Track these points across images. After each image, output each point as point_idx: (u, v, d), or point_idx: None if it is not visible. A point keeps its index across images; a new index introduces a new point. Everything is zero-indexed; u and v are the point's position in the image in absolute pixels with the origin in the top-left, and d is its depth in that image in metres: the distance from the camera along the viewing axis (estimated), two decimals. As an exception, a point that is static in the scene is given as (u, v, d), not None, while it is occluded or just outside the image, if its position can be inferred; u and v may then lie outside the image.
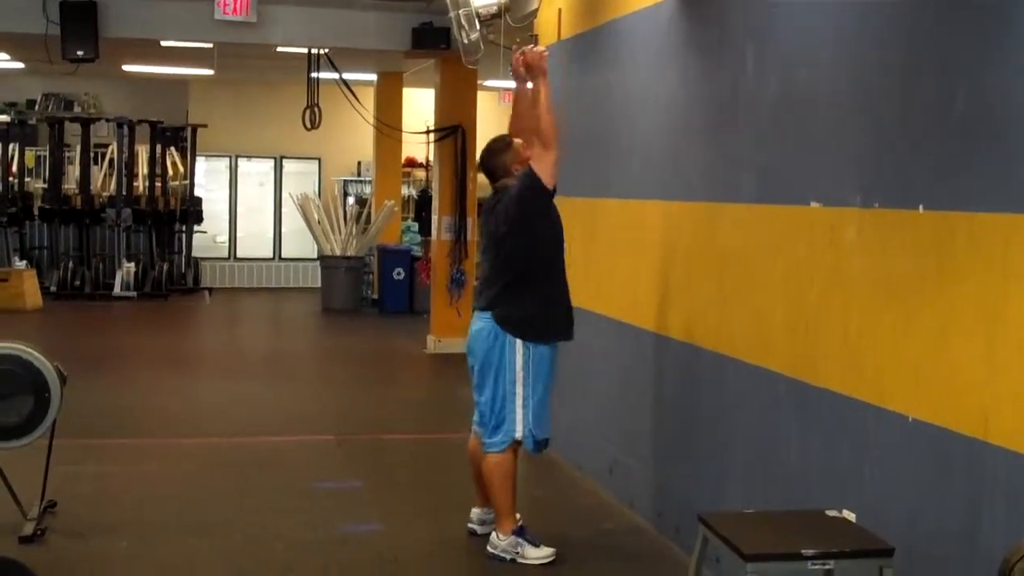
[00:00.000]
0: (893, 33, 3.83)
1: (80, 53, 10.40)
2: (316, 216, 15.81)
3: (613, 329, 6.34)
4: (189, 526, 5.74)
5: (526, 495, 5.37)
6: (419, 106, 15.94)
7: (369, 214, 16.14)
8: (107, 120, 16.88)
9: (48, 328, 13.15)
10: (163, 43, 12.19)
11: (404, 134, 13.62)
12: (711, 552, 3.79)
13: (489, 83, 14.74)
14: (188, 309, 15.85)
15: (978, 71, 3.37)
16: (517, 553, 5.27)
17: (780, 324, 4.50)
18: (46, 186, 16.91)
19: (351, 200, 17.63)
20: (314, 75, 12.42)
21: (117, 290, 16.03)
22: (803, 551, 3.41)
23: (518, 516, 5.36)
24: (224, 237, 18.39)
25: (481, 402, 5.39)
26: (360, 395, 9.81)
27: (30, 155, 17.65)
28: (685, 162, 5.47)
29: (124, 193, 16.31)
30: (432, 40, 11.09)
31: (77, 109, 18.09)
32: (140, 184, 17.02)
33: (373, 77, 15.96)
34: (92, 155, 16.63)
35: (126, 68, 15.77)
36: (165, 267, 16.60)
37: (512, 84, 5.75)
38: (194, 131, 17.33)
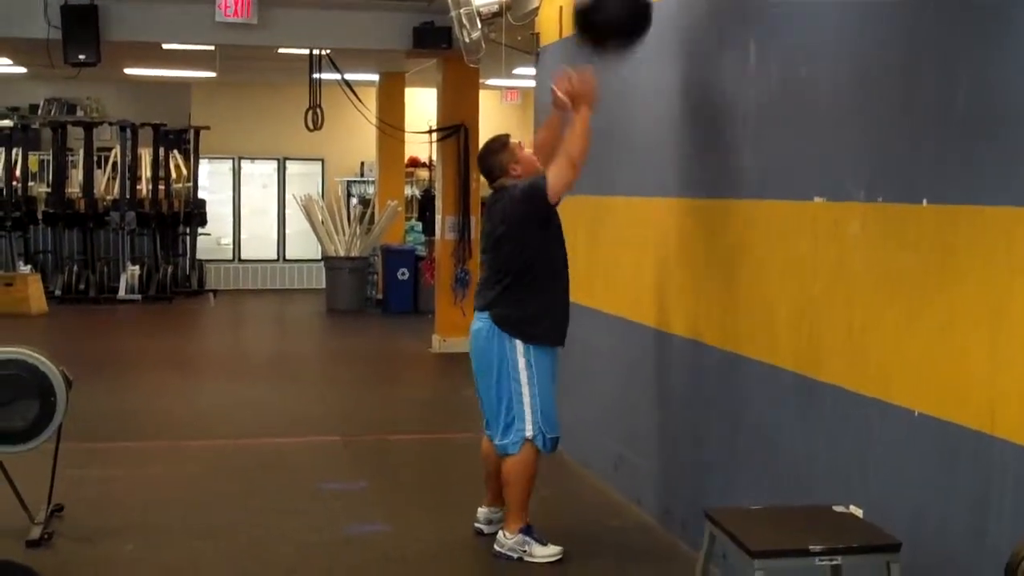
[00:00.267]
0: (895, 27, 3.82)
1: (82, 57, 10.40)
2: (320, 217, 15.83)
3: (618, 326, 6.33)
4: (194, 529, 5.74)
5: (533, 493, 5.36)
6: (421, 106, 15.95)
7: (373, 214, 16.15)
8: (110, 124, 16.90)
9: (53, 332, 13.16)
10: (165, 46, 12.19)
11: (407, 134, 13.62)
12: (718, 549, 3.78)
13: (491, 82, 14.73)
14: (193, 311, 15.87)
15: (981, 64, 3.36)
16: (524, 552, 5.26)
17: (784, 319, 4.49)
18: (50, 190, 16.92)
19: (355, 201, 17.63)
20: (316, 76, 12.43)
21: (122, 293, 16.04)
22: (810, 547, 3.41)
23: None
24: (228, 239, 18.40)
25: (486, 404, 5.38)
26: (365, 395, 9.81)
27: (33, 159, 17.67)
28: (688, 159, 5.46)
29: (128, 196, 16.33)
30: (433, 40, 11.08)
31: (80, 113, 18.10)
32: (143, 187, 17.04)
33: (375, 77, 15.96)
34: (95, 159, 16.66)
35: (128, 71, 15.78)
36: (169, 270, 16.61)
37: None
38: (197, 133, 17.35)
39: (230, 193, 18.49)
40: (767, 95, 4.65)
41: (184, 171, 17.48)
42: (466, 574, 5.36)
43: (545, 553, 5.25)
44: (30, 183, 17.26)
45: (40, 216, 16.57)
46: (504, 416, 5.27)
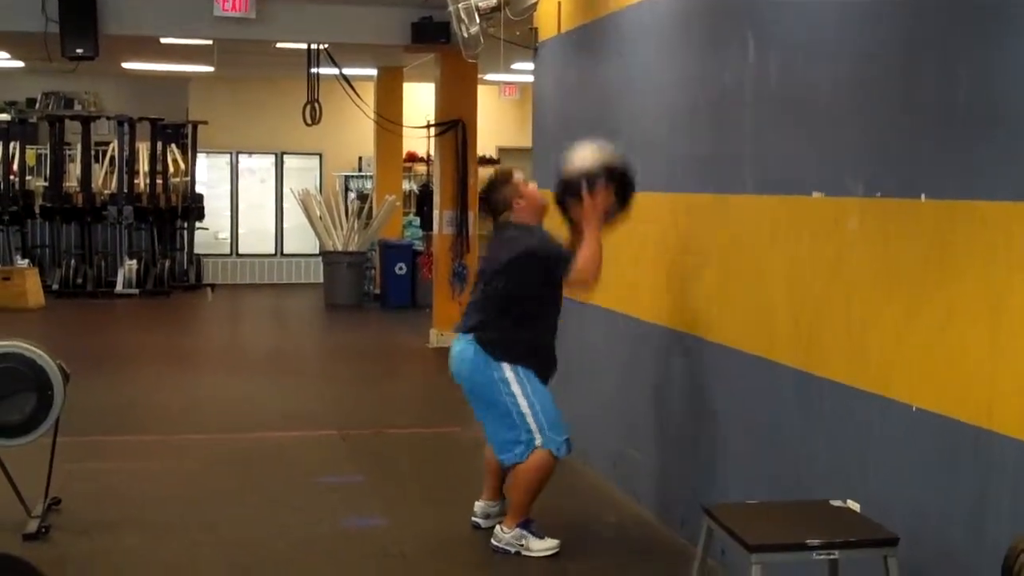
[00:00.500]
0: (895, 22, 3.81)
1: (80, 51, 10.37)
2: (318, 212, 15.81)
3: (617, 322, 6.33)
4: (192, 522, 5.74)
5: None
6: (419, 101, 15.93)
7: (370, 209, 16.14)
8: (107, 118, 16.88)
9: (51, 326, 13.15)
10: (163, 40, 12.18)
11: (405, 129, 13.61)
12: (716, 543, 3.78)
13: (489, 77, 14.72)
14: (190, 306, 15.85)
15: (980, 59, 3.36)
16: (521, 546, 5.26)
17: (783, 315, 4.49)
18: (47, 184, 16.90)
19: (352, 195, 17.62)
20: (314, 70, 12.41)
21: (119, 288, 16.03)
22: (808, 541, 3.41)
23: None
24: (226, 234, 18.39)
25: (488, 428, 5.36)
26: (363, 390, 9.81)
27: (31, 153, 17.66)
28: (686, 154, 5.46)
29: (125, 190, 16.31)
30: (432, 34, 11.08)
31: (77, 107, 18.08)
32: (141, 181, 17.02)
33: (373, 72, 15.94)
34: (93, 153, 16.63)
35: (126, 66, 15.76)
36: (167, 264, 16.60)
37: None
38: (195, 128, 17.33)
39: (228, 188, 18.48)
40: (765, 90, 4.65)
41: (182, 165, 17.46)
42: (463, 568, 5.35)
43: (542, 547, 5.25)
44: (27, 177, 17.23)
45: (38, 210, 16.55)
46: (512, 434, 5.24)
